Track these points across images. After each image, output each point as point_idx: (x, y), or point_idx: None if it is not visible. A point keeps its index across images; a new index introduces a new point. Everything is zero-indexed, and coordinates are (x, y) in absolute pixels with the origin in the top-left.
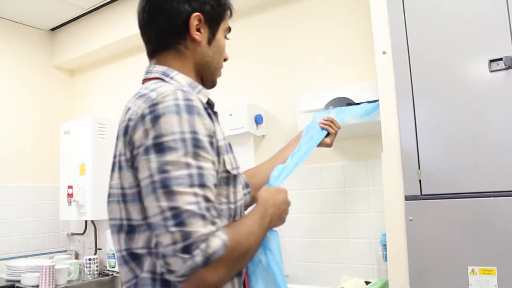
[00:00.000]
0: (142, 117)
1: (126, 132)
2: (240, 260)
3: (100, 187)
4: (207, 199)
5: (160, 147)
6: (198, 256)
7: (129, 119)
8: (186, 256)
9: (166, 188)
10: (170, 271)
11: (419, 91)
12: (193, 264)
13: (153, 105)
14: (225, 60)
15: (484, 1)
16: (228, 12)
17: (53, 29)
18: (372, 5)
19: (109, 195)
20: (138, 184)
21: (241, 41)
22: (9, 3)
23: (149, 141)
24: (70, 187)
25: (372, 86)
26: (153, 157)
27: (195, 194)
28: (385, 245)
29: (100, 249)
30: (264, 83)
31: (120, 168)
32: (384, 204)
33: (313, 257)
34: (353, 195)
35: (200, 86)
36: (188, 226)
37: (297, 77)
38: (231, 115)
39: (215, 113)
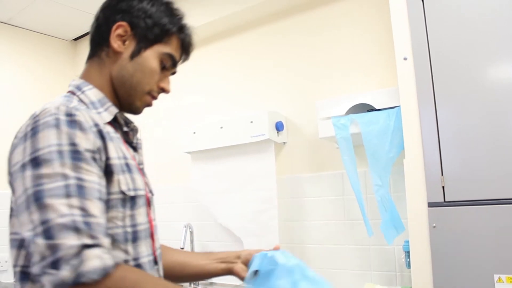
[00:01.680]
0: (24, 135)
1: (10, 149)
2: None
3: None
4: (85, 212)
5: (36, 161)
6: (65, 271)
7: (15, 137)
8: (53, 271)
9: (38, 200)
10: None
11: (441, 97)
12: (58, 280)
13: (34, 122)
14: (163, 90)
15: (506, 5)
16: (174, 40)
17: (75, 39)
18: (392, 11)
19: (11, 209)
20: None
21: (261, 48)
22: (33, 15)
23: (26, 158)
24: None
25: (393, 92)
26: (28, 173)
27: (70, 206)
28: (408, 252)
29: None
30: (285, 90)
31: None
32: (407, 211)
33: (335, 264)
34: (375, 201)
35: (109, 104)
36: (57, 239)
37: (317, 84)
38: (252, 122)
39: (126, 133)
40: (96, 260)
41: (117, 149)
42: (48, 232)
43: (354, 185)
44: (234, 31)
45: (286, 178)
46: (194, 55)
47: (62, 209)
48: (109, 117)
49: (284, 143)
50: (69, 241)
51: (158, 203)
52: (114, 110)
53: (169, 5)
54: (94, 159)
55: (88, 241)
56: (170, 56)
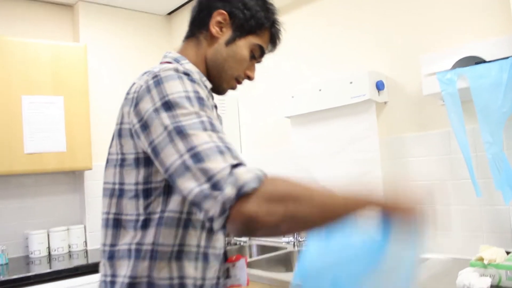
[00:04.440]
0: (147, 87)
1: (132, 103)
2: (288, 204)
3: None
4: (222, 140)
5: (168, 105)
6: (228, 189)
7: (135, 91)
8: (216, 193)
9: (181, 133)
10: (209, 219)
11: None
12: (224, 198)
13: (155, 76)
14: (248, 78)
15: None
16: (266, 33)
17: (169, 14)
18: None
19: (107, 161)
20: (137, 152)
21: (357, 7)
22: None
23: (157, 103)
24: None
25: (505, 41)
26: (163, 114)
27: (210, 136)
28: None
29: None
30: (384, 48)
31: (120, 135)
32: None
33: (442, 225)
34: (484, 160)
35: (205, 78)
36: (208, 162)
37: (419, 38)
38: (351, 83)
39: (215, 107)
40: (248, 173)
41: (215, 116)
42: (196, 157)
43: (462, 143)
44: None
45: (388, 138)
46: (291, 19)
47: (204, 137)
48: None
49: (386, 102)
50: (218, 164)
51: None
52: (209, 85)
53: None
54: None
55: (233, 161)
56: (260, 48)
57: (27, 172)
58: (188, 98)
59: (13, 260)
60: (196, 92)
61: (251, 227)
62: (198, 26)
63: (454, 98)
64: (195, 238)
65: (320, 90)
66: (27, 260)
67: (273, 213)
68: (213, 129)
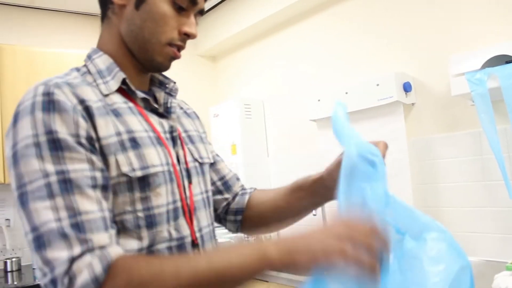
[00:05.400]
0: (11, 123)
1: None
2: None
3: (251, 165)
4: (72, 211)
5: (15, 158)
6: None
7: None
8: None
9: (24, 205)
10: None
11: None
12: None
13: (17, 107)
14: (186, 35)
15: None
16: None
17: None
18: None
19: None
20: None
21: (382, 8)
22: None
23: (9, 153)
24: None
25: None
26: (12, 171)
27: (55, 208)
28: None
29: None
30: (410, 49)
31: None
32: None
33: (473, 227)
34: None
35: (117, 69)
36: (48, 251)
37: (447, 38)
38: (378, 85)
39: (145, 100)
40: (85, 272)
41: (116, 124)
42: (39, 241)
43: (493, 144)
44: None
45: (417, 140)
46: (316, 22)
47: (46, 213)
48: (115, 85)
49: (413, 104)
50: (59, 254)
51: (286, 172)
52: (121, 76)
53: None
54: (80, 143)
55: (77, 249)
56: None
57: None
58: (37, 145)
59: None
60: (50, 132)
61: None
62: (104, 3)
63: (484, 98)
64: None
65: (346, 93)
66: None
67: None
68: (64, 190)
